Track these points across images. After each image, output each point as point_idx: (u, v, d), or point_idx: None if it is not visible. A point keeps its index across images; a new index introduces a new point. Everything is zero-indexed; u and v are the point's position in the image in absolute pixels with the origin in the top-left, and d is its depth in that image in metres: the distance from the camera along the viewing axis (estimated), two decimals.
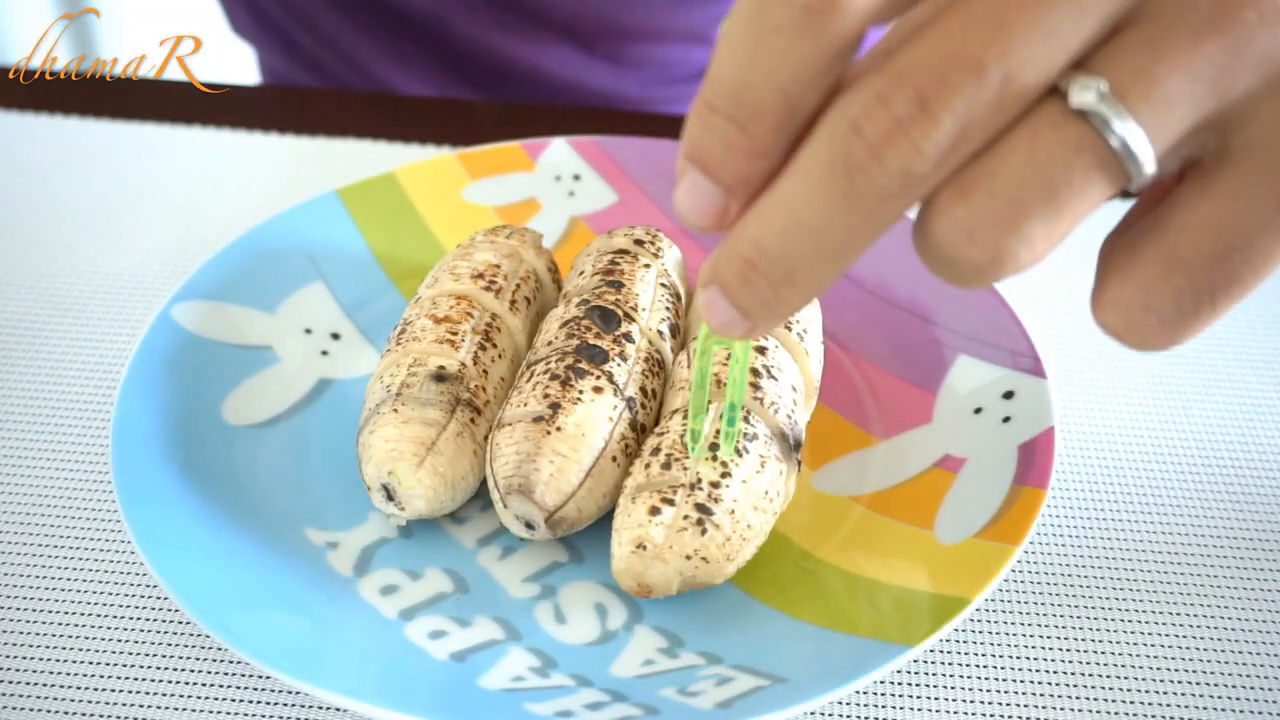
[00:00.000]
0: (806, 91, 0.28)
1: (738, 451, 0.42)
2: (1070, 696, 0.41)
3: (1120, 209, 0.31)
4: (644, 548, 0.40)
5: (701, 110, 0.28)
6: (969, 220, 0.27)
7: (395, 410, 0.44)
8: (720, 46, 0.28)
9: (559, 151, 0.61)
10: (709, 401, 0.41)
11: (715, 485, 0.41)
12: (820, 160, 0.27)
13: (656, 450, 0.43)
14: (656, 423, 0.46)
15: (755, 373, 0.44)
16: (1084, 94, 0.27)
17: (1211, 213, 0.28)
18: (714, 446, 0.41)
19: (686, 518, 0.40)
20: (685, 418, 0.43)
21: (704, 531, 0.40)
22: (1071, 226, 0.28)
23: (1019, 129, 0.27)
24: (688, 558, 0.40)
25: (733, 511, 0.41)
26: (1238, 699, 0.41)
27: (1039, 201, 0.27)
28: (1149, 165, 0.27)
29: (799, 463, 0.44)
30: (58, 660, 0.42)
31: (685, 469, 0.41)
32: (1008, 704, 0.41)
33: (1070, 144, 0.27)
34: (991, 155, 0.27)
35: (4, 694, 0.41)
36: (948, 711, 0.41)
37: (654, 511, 0.40)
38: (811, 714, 0.40)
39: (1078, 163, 0.27)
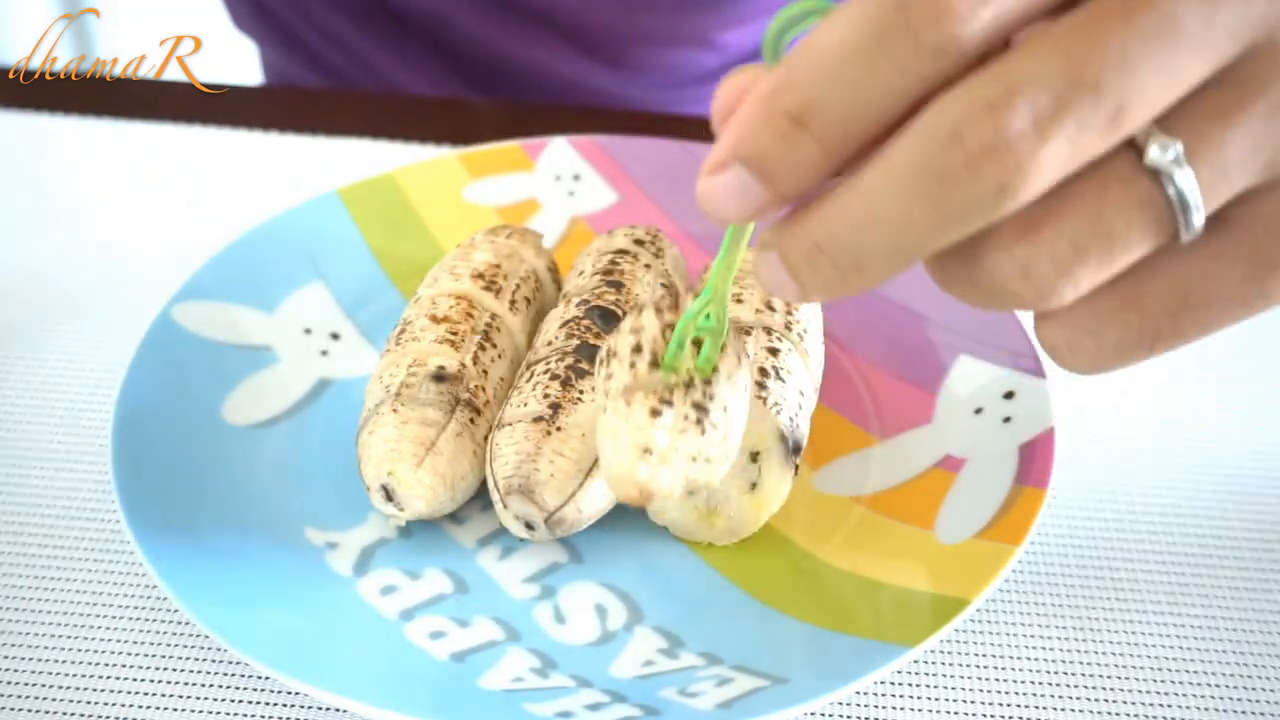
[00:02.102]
0: (904, 115, 0.27)
1: (720, 348, 0.40)
2: (1070, 696, 0.41)
3: None
4: (649, 452, 0.38)
5: (781, 122, 0.27)
6: (1027, 258, 0.28)
7: (395, 410, 0.44)
8: (815, 60, 0.27)
9: (559, 151, 0.61)
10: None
11: (707, 382, 0.39)
12: (912, 161, 0.27)
13: (638, 349, 0.39)
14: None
15: (763, 372, 0.44)
16: (1162, 154, 0.27)
17: (1186, 269, 0.29)
18: (696, 343, 0.39)
19: (686, 418, 0.38)
20: (659, 314, 0.41)
21: (703, 431, 0.39)
22: (1116, 272, 0.28)
23: (1088, 174, 0.27)
24: (693, 459, 0.39)
25: (725, 408, 0.39)
26: (1238, 699, 0.41)
27: (1097, 250, 0.28)
28: (1199, 225, 0.28)
29: (796, 466, 0.44)
30: (58, 660, 0.42)
31: (673, 368, 0.39)
32: (1008, 704, 0.41)
33: (1136, 200, 0.27)
34: (1060, 197, 0.27)
35: (4, 694, 0.41)
36: (948, 712, 0.41)
37: (655, 414, 0.38)
38: (811, 714, 0.40)
39: (1138, 218, 0.27)
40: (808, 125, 0.27)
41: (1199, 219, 0.28)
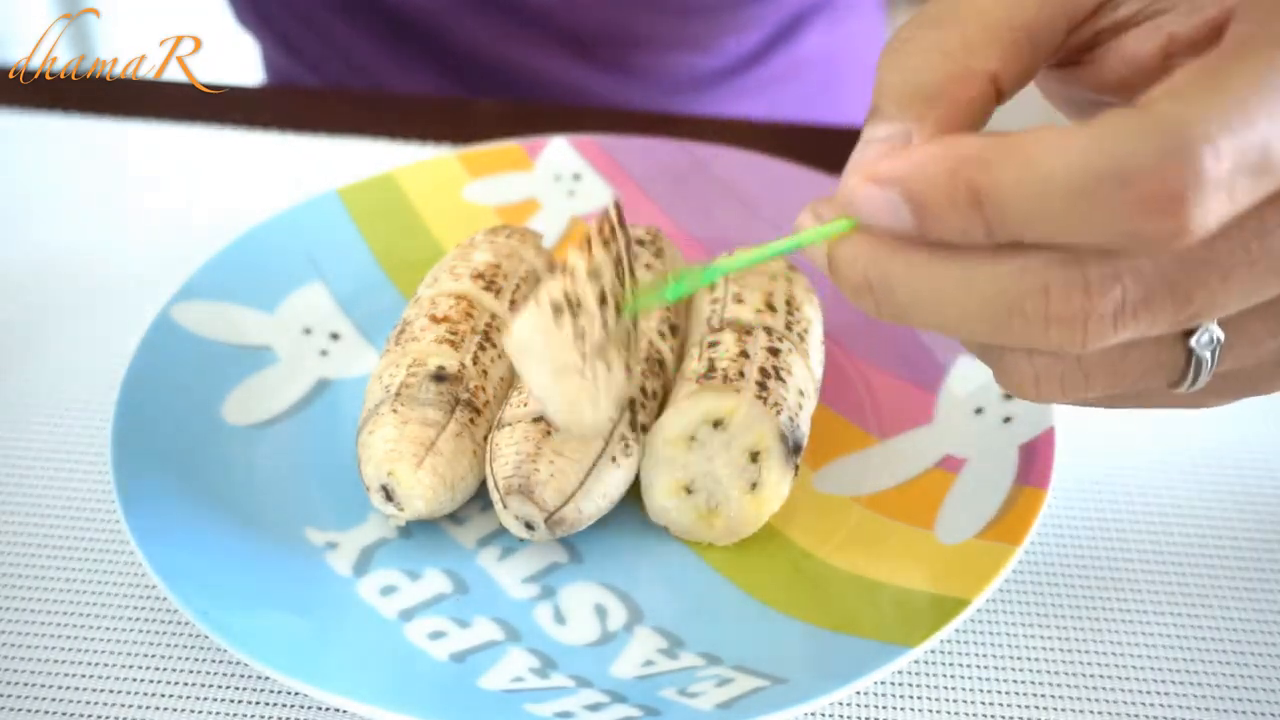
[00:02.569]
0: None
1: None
2: (1070, 697, 0.41)
3: None
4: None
5: (962, 190, 0.27)
6: (1043, 371, 0.30)
7: (395, 410, 0.44)
8: (1025, 166, 0.27)
9: (559, 151, 0.61)
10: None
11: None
12: (995, 285, 0.28)
13: (604, 299, 0.37)
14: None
15: (764, 372, 0.44)
16: (1206, 342, 0.29)
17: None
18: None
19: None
20: (606, 247, 0.38)
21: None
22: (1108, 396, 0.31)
23: None
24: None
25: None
26: (1238, 699, 0.41)
27: (1103, 383, 0.30)
28: (1199, 389, 0.31)
29: (796, 466, 0.44)
30: (57, 660, 0.42)
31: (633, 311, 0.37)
32: (1008, 704, 0.41)
33: (1162, 361, 0.30)
34: None
35: (3, 694, 0.41)
36: (948, 712, 0.41)
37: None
38: (811, 714, 0.40)
39: (1157, 373, 0.30)
40: (983, 208, 0.28)
41: (1202, 385, 0.30)
